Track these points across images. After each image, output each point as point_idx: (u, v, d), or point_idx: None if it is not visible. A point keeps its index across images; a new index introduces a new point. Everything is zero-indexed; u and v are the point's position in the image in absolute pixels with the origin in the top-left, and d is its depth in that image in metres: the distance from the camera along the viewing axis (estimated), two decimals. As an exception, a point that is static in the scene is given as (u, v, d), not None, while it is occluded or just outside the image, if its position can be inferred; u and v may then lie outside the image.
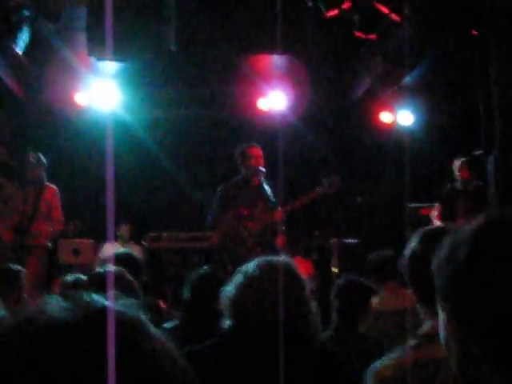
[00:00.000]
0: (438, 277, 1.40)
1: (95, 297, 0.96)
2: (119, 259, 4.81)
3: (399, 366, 2.47)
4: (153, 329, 0.96)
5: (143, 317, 0.96)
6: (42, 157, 8.39)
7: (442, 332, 1.51)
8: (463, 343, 1.34)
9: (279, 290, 2.57)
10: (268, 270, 2.71)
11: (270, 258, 2.82)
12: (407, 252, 2.55)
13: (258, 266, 2.75)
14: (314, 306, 2.76)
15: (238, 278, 2.75)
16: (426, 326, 2.48)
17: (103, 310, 0.91)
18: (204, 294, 4.50)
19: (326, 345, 4.13)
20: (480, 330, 1.28)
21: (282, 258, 2.86)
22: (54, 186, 8.48)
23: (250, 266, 2.77)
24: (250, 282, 2.71)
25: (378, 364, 2.58)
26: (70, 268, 8.14)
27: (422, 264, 2.46)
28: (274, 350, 2.39)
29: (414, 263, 2.52)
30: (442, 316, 1.47)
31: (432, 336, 2.39)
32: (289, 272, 2.72)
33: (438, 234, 2.48)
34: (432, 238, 2.49)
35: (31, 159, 8.29)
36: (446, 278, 1.35)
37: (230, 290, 2.74)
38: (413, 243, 2.56)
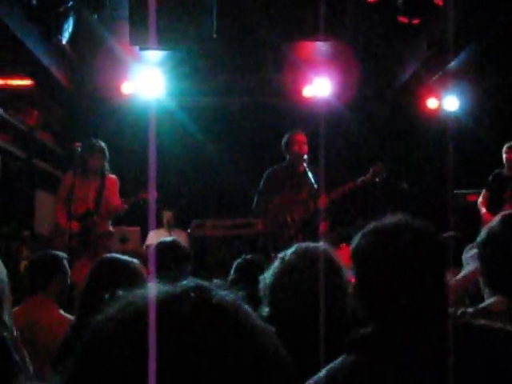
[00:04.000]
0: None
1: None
2: (165, 248, 4.83)
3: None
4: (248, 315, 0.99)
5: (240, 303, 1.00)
6: (105, 147, 8.32)
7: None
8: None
9: (316, 277, 2.55)
10: (305, 256, 2.69)
11: (307, 244, 2.80)
12: (484, 233, 2.76)
13: (296, 253, 2.73)
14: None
15: (276, 265, 2.75)
16: (488, 302, 2.52)
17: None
18: (247, 280, 4.52)
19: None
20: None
21: (321, 244, 2.83)
22: (114, 176, 8.47)
23: (288, 253, 2.75)
24: (287, 268, 2.68)
25: None
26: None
27: (496, 245, 2.67)
28: (311, 340, 2.37)
29: (490, 244, 2.71)
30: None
31: (490, 312, 2.42)
32: (327, 259, 2.69)
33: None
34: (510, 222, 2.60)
35: (97, 154, 8.23)
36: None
37: (268, 276, 2.74)
38: (492, 225, 2.76)
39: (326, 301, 2.50)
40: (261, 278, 2.79)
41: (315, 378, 2.06)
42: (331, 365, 2.06)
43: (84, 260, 7.49)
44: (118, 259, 3.69)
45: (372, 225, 2.22)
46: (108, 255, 3.95)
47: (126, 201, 8.26)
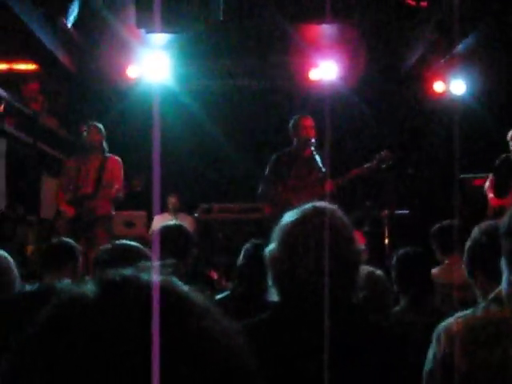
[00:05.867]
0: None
1: (141, 272, 0.93)
2: (169, 231, 4.81)
3: (467, 324, 2.53)
4: (202, 301, 0.92)
5: (189, 289, 0.93)
6: (102, 127, 8.32)
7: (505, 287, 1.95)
8: None
9: (322, 237, 2.28)
10: (312, 214, 2.42)
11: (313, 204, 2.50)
12: (471, 240, 2.96)
13: (302, 211, 2.46)
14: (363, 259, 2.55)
15: (277, 233, 2.47)
16: (496, 291, 2.56)
17: (149, 286, 0.88)
18: (257, 264, 4.51)
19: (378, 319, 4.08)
20: None
21: (326, 204, 2.51)
22: (117, 157, 8.40)
23: (288, 217, 2.48)
24: (287, 234, 2.42)
25: (447, 321, 2.64)
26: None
27: (484, 251, 2.82)
28: (322, 322, 2.22)
29: (478, 250, 2.88)
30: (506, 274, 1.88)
31: (500, 299, 2.47)
32: (335, 218, 2.42)
33: (496, 227, 2.67)
34: (491, 231, 2.75)
35: (93, 129, 8.24)
36: None
37: (272, 247, 2.48)
38: (475, 233, 2.94)
39: (337, 266, 2.30)
40: (265, 251, 2.51)
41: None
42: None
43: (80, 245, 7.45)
44: (128, 245, 3.65)
45: None
46: (118, 242, 3.90)
47: (125, 187, 8.18)
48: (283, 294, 2.47)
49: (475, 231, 2.95)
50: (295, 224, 2.44)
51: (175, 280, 0.92)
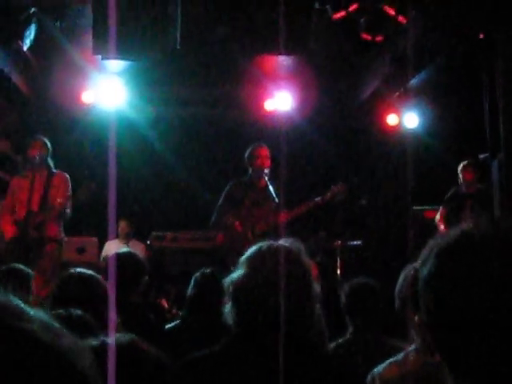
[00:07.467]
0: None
1: None
2: (121, 259, 4.78)
3: (400, 370, 2.50)
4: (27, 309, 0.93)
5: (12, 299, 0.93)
6: (47, 141, 7.95)
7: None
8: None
9: (282, 275, 2.39)
10: (271, 253, 2.51)
11: (273, 242, 2.60)
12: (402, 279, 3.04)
13: (261, 249, 2.54)
14: (319, 295, 2.62)
15: (240, 263, 2.55)
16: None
17: None
18: (207, 293, 4.50)
19: (330, 351, 4.06)
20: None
21: (288, 241, 2.62)
22: (64, 173, 7.97)
23: (252, 250, 2.57)
24: (252, 265, 2.50)
25: (381, 367, 2.62)
26: (74, 267, 7.78)
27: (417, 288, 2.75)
28: (277, 354, 2.25)
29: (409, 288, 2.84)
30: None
31: None
32: (293, 257, 2.52)
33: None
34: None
35: (38, 143, 7.88)
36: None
37: (233, 276, 2.54)
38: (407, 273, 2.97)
39: (294, 306, 2.36)
40: (226, 279, 2.57)
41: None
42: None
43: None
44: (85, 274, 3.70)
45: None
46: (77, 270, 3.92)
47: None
48: (241, 323, 2.49)
49: (406, 272, 2.94)
50: (263, 259, 2.50)
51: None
